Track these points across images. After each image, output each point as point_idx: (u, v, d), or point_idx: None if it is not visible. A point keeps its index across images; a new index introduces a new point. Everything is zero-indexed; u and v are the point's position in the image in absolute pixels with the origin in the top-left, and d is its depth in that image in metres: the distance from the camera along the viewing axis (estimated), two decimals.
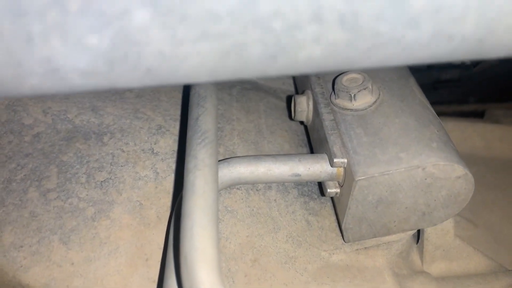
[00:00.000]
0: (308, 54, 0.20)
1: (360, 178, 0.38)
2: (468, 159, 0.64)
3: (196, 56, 0.19)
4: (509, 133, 0.65)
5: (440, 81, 0.89)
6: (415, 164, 0.37)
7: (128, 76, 0.20)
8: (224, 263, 0.39)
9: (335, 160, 0.40)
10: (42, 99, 0.46)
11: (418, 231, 0.49)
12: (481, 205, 0.57)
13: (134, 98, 0.49)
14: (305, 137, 0.54)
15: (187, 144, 0.37)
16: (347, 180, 0.40)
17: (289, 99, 0.58)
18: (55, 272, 0.36)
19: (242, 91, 0.56)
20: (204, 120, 0.39)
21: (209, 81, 0.22)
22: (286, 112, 0.56)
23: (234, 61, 0.20)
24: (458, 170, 0.38)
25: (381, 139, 0.40)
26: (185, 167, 0.35)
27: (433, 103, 0.76)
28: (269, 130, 0.51)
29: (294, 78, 0.56)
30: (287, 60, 0.20)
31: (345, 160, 0.40)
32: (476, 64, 0.89)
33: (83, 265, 0.37)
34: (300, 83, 0.53)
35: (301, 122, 0.53)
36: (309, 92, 0.48)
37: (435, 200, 0.40)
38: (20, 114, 0.45)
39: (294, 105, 0.48)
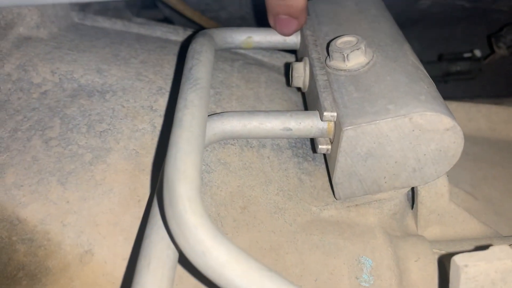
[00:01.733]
0: None
1: (347, 128, 0.38)
2: (472, 140, 0.64)
3: None
4: None
5: (450, 73, 0.89)
6: (402, 114, 0.38)
7: None
8: (214, 208, 0.40)
9: (324, 113, 0.41)
10: (51, 60, 0.49)
11: (413, 196, 0.49)
12: (482, 180, 0.57)
13: (138, 63, 0.51)
14: (303, 108, 0.55)
15: (180, 90, 0.39)
16: (336, 133, 0.41)
17: (287, 67, 0.59)
18: (51, 208, 0.38)
19: (244, 65, 0.58)
20: (197, 69, 0.40)
21: None
22: (286, 86, 0.57)
23: None
24: (446, 121, 0.39)
25: (371, 94, 0.41)
26: (176, 107, 0.36)
27: (444, 98, 0.77)
28: (268, 98, 0.53)
29: (296, 53, 0.58)
30: None
31: (335, 114, 0.41)
32: (486, 56, 0.89)
33: (78, 203, 0.39)
34: (300, 53, 0.55)
35: (299, 89, 0.54)
36: (306, 58, 0.50)
37: (424, 155, 0.41)
38: (30, 74, 0.48)
39: (292, 70, 0.50)
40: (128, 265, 0.36)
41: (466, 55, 0.88)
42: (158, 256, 0.30)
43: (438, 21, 0.95)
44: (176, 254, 0.31)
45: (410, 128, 0.39)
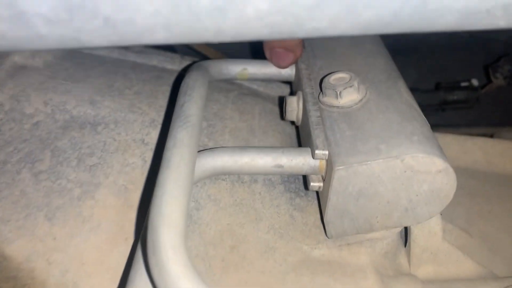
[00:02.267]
0: (255, 7, 0.21)
1: (338, 167, 0.38)
2: (468, 173, 0.64)
3: (149, 5, 0.21)
4: (511, 148, 0.64)
5: (447, 102, 0.89)
6: (394, 155, 0.38)
7: (88, 27, 0.22)
8: (203, 247, 0.40)
9: (316, 151, 0.40)
10: (45, 91, 0.49)
11: (406, 234, 0.48)
12: (477, 215, 0.56)
13: (132, 95, 0.51)
14: (297, 141, 0.55)
15: (170, 127, 0.38)
16: (328, 172, 0.41)
17: (281, 100, 0.59)
18: (37, 245, 0.38)
19: (239, 96, 0.58)
20: (189, 106, 0.40)
21: (167, 40, 0.24)
22: (280, 118, 0.57)
23: (185, 14, 0.22)
24: (438, 163, 0.38)
25: (363, 132, 0.41)
26: (165, 146, 0.36)
27: (441, 126, 0.77)
28: (261, 130, 0.53)
29: (291, 84, 0.58)
30: (236, 15, 0.22)
31: (327, 152, 0.40)
32: (483, 86, 0.90)
33: (65, 240, 0.38)
34: (295, 85, 0.55)
35: (292, 123, 0.54)
36: (300, 93, 0.50)
37: (417, 195, 0.40)
38: (22, 104, 0.48)
39: (285, 104, 0.50)
40: None
41: (464, 84, 0.88)
42: None
43: (436, 50, 0.96)
44: None
45: (402, 169, 0.38)
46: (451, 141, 0.65)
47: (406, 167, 0.38)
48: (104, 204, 0.41)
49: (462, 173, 0.64)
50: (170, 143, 0.36)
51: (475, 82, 0.88)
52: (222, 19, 0.22)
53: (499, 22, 0.24)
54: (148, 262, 0.29)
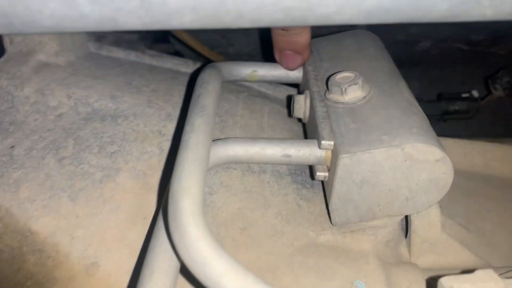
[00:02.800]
0: None
1: (343, 156, 0.41)
2: (467, 175, 0.66)
3: None
4: (509, 153, 0.67)
5: (448, 112, 0.92)
6: (395, 144, 0.41)
7: (126, 7, 0.25)
8: (215, 228, 0.42)
9: (322, 142, 0.43)
10: (68, 86, 0.52)
11: (407, 225, 0.51)
12: (476, 213, 0.58)
13: (150, 92, 0.55)
14: (303, 138, 0.57)
15: (187, 115, 0.41)
16: (333, 161, 0.44)
17: (289, 99, 0.62)
18: (61, 222, 0.41)
19: (249, 96, 0.61)
20: (205, 97, 0.43)
21: (194, 22, 0.27)
22: (288, 117, 0.60)
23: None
24: (436, 152, 0.41)
25: (366, 125, 0.44)
26: (183, 131, 0.39)
27: (443, 136, 0.79)
28: (270, 127, 0.56)
29: (298, 86, 0.61)
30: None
31: (332, 142, 0.43)
32: (483, 97, 0.93)
33: (86, 219, 0.41)
34: (302, 86, 0.58)
35: (299, 120, 0.57)
36: (307, 91, 0.53)
37: (416, 184, 0.43)
38: (47, 97, 0.51)
39: (293, 102, 0.53)
40: (132, 277, 0.38)
41: (464, 95, 0.91)
42: (161, 267, 0.32)
43: (437, 63, 0.99)
44: (178, 266, 0.33)
45: (403, 158, 0.41)
46: (452, 144, 0.67)
47: (406, 156, 0.41)
48: (124, 187, 0.43)
49: (462, 175, 0.66)
50: (188, 128, 0.39)
51: (475, 93, 0.91)
52: (242, 2, 0.25)
53: (487, 12, 0.27)
54: (169, 228, 0.31)
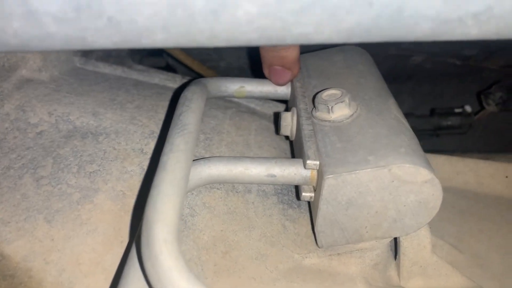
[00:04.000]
0: (245, 11, 0.23)
1: (328, 176, 0.40)
2: (459, 193, 0.65)
3: (149, 6, 0.23)
4: (501, 170, 0.66)
5: (441, 128, 0.91)
6: (381, 165, 0.39)
7: (93, 26, 0.24)
8: (196, 252, 0.41)
9: (308, 161, 0.42)
10: (49, 102, 0.51)
11: (396, 247, 0.49)
12: (468, 233, 0.57)
13: (133, 108, 0.53)
14: (291, 156, 0.56)
15: (168, 134, 0.40)
16: (318, 181, 0.42)
17: (276, 116, 0.61)
18: (35, 246, 0.39)
19: (236, 113, 0.60)
20: (186, 116, 0.42)
21: (166, 41, 0.26)
22: (276, 134, 0.59)
23: (181, 16, 0.24)
24: (424, 173, 0.40)
25: (353, 145, 0.42)
26: (162, 151, 0.38)
27: (435, 151, 0.78)
28: (257, 144, 0.54)
29: (287, 103, 0.60)
30: (228, 18, 0.24)
31: (317, 162, 0.42)
32: (477, 112, 0.92)
33: (62, 242, 0.39)
34: (290, 103, 0.57)
35: (287, 138, 0.55)
36: (294, 108, 0.52)
37: (404, 206, 0.41)
38: (27, 114, 0.50)
39: (280, 120, 0.52)
40: None
41: (457, 110, 0.90)
42: None
43: (430, 77, 0.98)
44: None
45: (390, 179, 0.40)
46: (444, 162, 0.66)
47: (393, 177, 0.40)
48: (102, 209, 0.42)
49: (454, 193, 0.65)
50: (167, 148, 0.38)
51: (468, 108, 0.90)
52: (215, 22, 0.24)
53: (471, 31, 0.26)
54: (142, 256, 0.30)
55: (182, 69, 0.96)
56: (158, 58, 1.02)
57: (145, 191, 0.44)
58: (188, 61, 0.82)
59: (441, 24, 0.25)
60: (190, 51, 0.87)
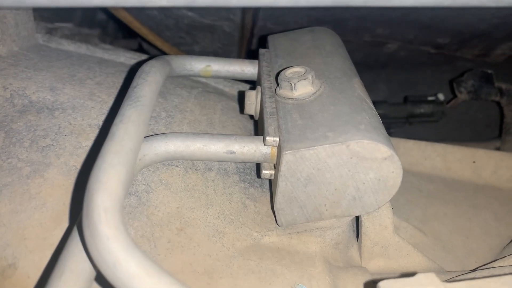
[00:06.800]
0: None
1: (286, 152, 0.39)
2: (427, 177, 0.65)
3: None
4: (469, 155, 0.66)
5: (414, 115, 0.91)
6: (340, 141, 0.39)
7: None
8: (149, 228, 0.40)
9: (267, 138, 0.41)
10: (4, 76, 0.49)
11: (358, 228, 0.49)
12: (433, 217, 0.57)
13: (94, 85, 0.52)
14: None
15: (120, 107, 0.39)
16: (278, 158, 0.41)
17: (241, 95, 0.60)
18: None
19: (202, 92, 0.58)
20: (141, 88, 0.41)
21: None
22: (243, 115, 0.58)
23: None
24: (383, 150, 0.39)
25: (313, 122, 0.42)
26: (112, 123, 0.36)
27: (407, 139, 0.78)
28: (221, 124, 0.53)
29: (255, 82, 0.59)
30: None
31: (277, 139, 0.41)
32: (449, 100, 0.92)
33: (8, 216, 0.38)
34: (257, 83, 0.56)
35: (251, 117, 0.54)
36: (259, 87, 0.51)
37: (364, 183, 0.41)
38: None
39: (244, 98, 0.51)
40: (42, 277, 0.35)
41: (430, 98, 0.90)
42: (72, 268, 0.29)
43: (405, 65, 0.98)
44: (92, 269, 0.31)
45: (348, 156, 0.39)
46: (412, 146, 0.66)
47: (352, 153, 0.39)
48: (52, 183, 0.41)
49: (422, 177, 0.65)
50: (117, 119, 0.36)
51: (441, 96, 0.90)
52: None
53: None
54: (82, 225, 0.29)
55: (155, 52, 0.94)
56: (131, 40, 1.01)
57: None
58: (158, 42, 0.80)
59: None
60: (163, 34, 0.85)
